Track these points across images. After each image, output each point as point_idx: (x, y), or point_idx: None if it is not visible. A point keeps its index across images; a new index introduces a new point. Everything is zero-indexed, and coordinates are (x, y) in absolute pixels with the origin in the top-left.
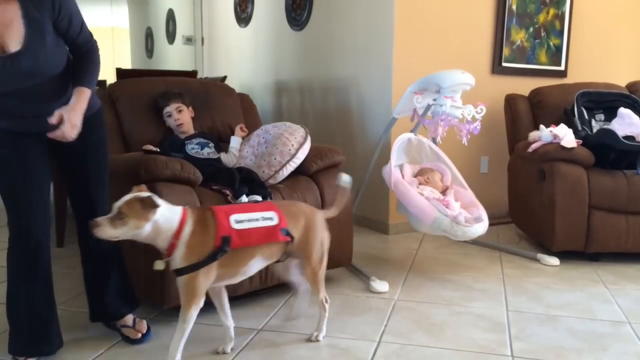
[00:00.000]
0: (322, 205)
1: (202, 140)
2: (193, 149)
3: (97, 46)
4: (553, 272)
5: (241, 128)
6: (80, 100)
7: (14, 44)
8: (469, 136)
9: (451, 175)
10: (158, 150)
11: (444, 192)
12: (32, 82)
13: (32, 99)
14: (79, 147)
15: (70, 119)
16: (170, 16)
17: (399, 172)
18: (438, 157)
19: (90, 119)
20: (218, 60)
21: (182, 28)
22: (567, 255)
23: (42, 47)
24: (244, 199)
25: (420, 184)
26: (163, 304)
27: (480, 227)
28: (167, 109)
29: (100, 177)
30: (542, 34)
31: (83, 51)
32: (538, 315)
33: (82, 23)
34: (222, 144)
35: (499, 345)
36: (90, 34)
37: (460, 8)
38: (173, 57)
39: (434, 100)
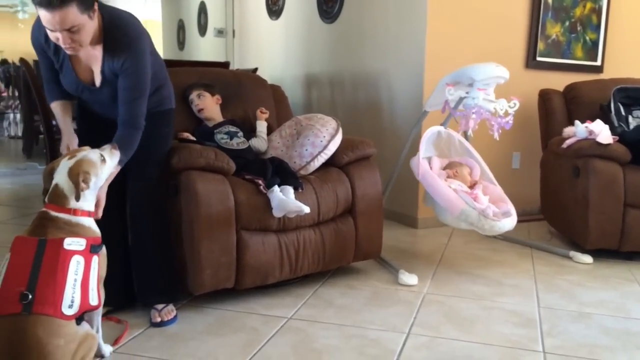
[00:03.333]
0: (353, 198)
1: (231, 129)
2: (222, 138)
3: (137, 126)
4: (586, 270)
5: (261, 111)
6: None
7: (97, 80)
8: (500, 131)
9: (480, 171)
10: (194, 139)
11: (472, 186)
12: (108, 107)
13: (107, 113)
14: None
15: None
16: (202, 9)
17: (427, 163)
18: (467, 151)
19: (155, 115)
20: (249, 52)
21: (214, 20)
22: (601, 253)
23: (114, 90)
24: (276, 189)
25: (448, 177)
26: (194, 291)
27: (509, 222)
28: (190, 96)
29: (139, 167)
30: (578, 28)
31: (121, 123)
32: (570, 313)
33: (134, 101)
34: (252, 134)
35: (530, 341)
36: (135, 116)
37: (495, 1)
38: (204, 50)
39: (467, 93)
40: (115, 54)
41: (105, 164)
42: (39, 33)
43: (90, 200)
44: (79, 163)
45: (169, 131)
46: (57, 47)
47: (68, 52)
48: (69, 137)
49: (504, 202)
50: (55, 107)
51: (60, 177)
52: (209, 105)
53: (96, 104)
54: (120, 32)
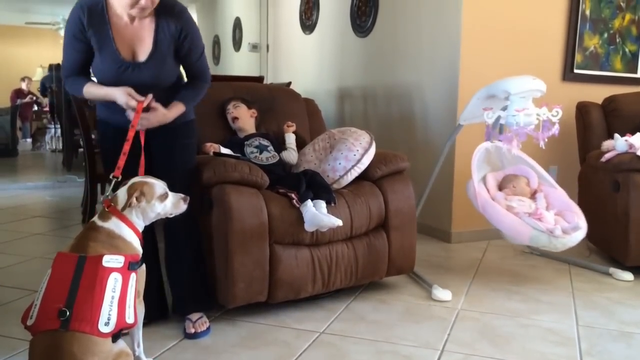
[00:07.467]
0: (386, 212)
1: (262, 142)
2: (252, 152)
3: (208, 80)
4: (626, 288)
5: (287, 125)
6: (173, 110)
7: (142, 55)
8: (546, 139)
9: (537, 177)
10: (233, 154)
11: (532, 195)
12: (144, 90)
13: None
14: (167, 147)
15: (156, 114)
16: (237, 24)
17: (484, 188)
18: (519, 159)
19: (181, 126)
20: (282, 66)
21: (248, 35)
22: None
23: (161, 65)
24: (309, 203)
25: (507, 195)
26: (227, 304)
27: (579, 235)
28: (227, 106)
29: (170, 179)
30: (617, 40)
31: (195, 78)
32: (610, 332)
33: (201, 57)
34: (283, 147)
35: None
36: (206, 70)
37: (530, 13)
38: (239, 64)
39: (503, 109)
40: (169, 20)
41: (163, 202)
42: (82, 13)
43: (137, 219)
44: (142, 183)
45: (194, 142)
46: (99, 26)
47: (146, 11)
48: (123, 88)
49: (570, 210)
50: (89, 86)
51: (122, 190)
52: (243, 116)
53: (135, 87)
54: (169, 4)
